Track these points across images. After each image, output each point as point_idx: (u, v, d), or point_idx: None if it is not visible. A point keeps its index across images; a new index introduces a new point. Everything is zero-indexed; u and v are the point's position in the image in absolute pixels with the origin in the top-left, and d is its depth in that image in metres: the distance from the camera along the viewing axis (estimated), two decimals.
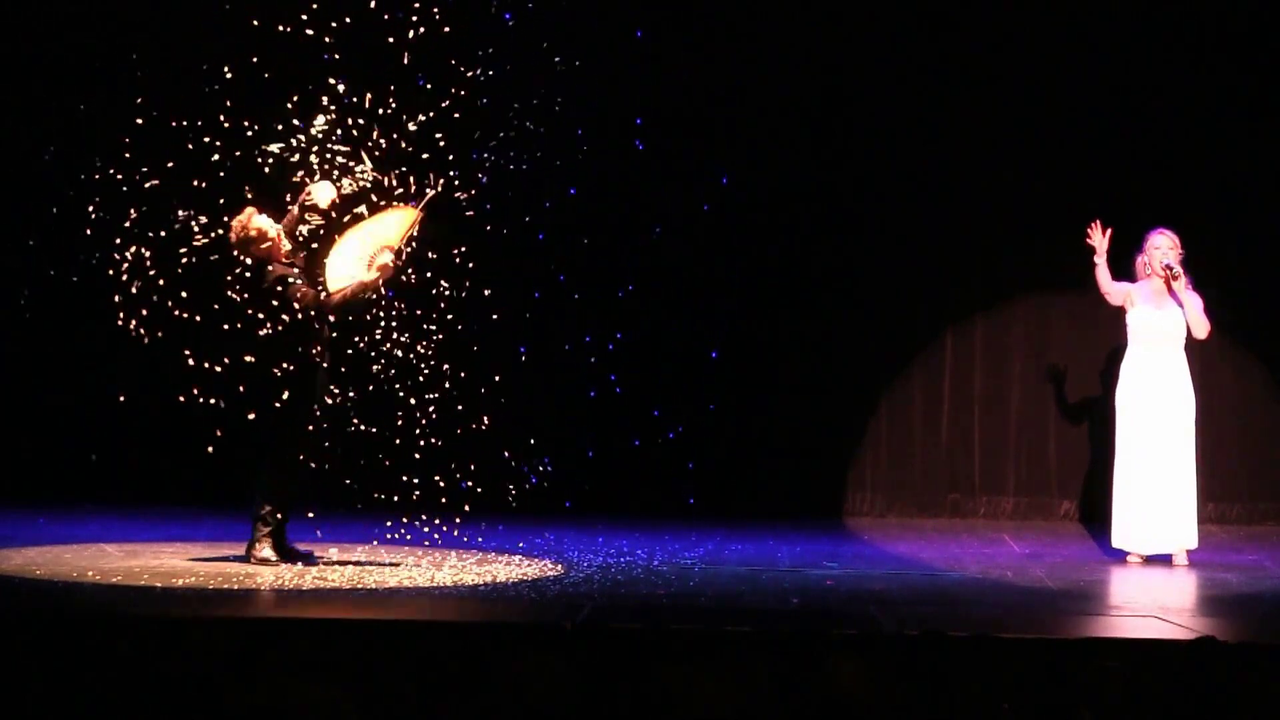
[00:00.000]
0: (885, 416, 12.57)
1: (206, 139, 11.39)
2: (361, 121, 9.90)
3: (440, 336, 10.17)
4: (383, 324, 9.89)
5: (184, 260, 10.97)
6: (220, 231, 9.47)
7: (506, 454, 11.44)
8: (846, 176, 12.35)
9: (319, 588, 8.44)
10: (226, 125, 11.71)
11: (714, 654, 6.33)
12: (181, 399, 11.40)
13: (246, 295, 9.37)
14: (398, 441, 10.65)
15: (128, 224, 12.08)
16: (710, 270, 12.25)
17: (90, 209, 12.14)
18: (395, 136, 9.90)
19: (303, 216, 9.32)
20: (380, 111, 9.99)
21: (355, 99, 9.99)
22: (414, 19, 10.45)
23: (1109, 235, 10.38)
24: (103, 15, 12.05)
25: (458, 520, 10.59)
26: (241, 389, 9.59)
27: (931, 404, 12.56)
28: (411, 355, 10.58)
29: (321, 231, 9.40)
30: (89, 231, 12.12)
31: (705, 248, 12.23)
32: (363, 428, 10.65)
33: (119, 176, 12.11)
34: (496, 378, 11.48)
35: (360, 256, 9.28)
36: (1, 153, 12.16)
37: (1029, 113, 12.27)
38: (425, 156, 10.33)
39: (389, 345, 9.98)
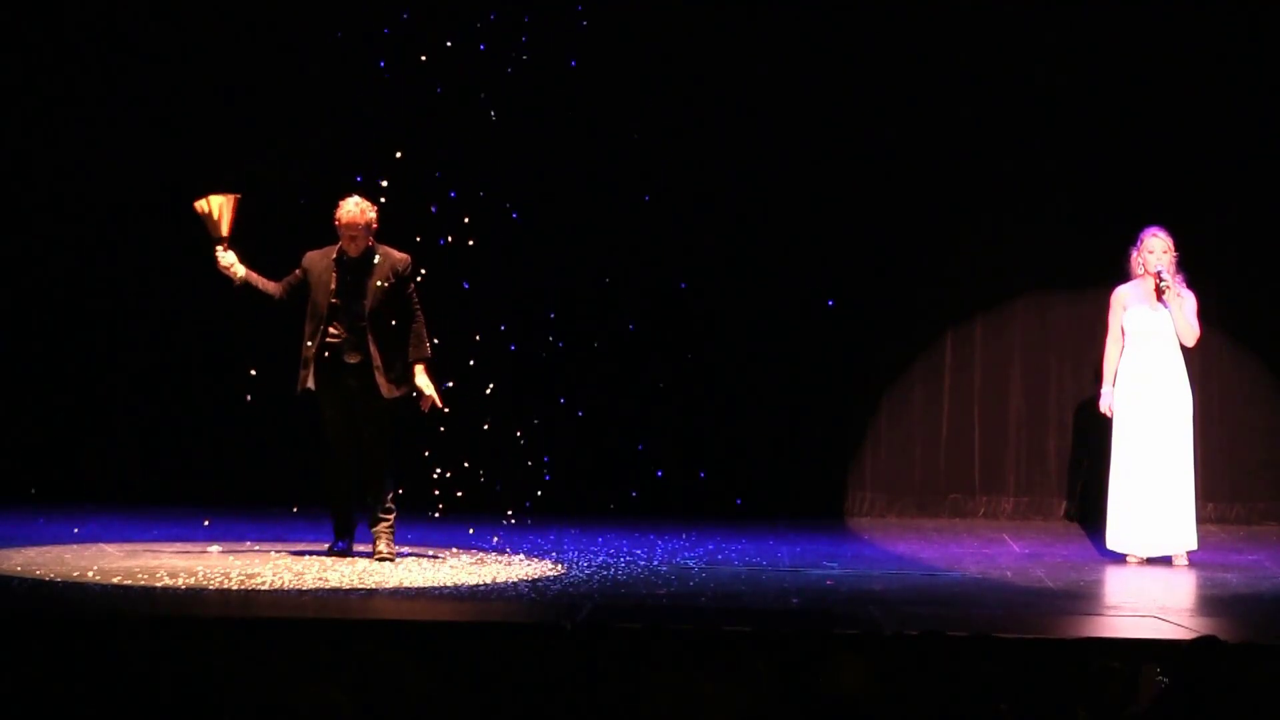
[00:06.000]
0: (885, 416, 12.55)
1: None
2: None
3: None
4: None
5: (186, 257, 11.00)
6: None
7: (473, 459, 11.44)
8: (847, 175, 12.32)
9: (319, 588, 8.45)
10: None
11: (714, 654, 6.32)
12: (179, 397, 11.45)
13: None
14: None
15: (132, 222, 12.13)
16: (710, 270, 12.23)
17: (91, 207, 12.17)
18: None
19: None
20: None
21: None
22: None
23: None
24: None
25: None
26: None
27: (931, 404, 12.55)
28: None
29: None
30: (90, 230, 12.16)
31: (706, 247, 12.21)
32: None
33: (122, 176, 12.14)
34: (493, 379, 11.48)
35: None
36: (3, 149, 12.14)
37: (1029, 112, 12.26)
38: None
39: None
